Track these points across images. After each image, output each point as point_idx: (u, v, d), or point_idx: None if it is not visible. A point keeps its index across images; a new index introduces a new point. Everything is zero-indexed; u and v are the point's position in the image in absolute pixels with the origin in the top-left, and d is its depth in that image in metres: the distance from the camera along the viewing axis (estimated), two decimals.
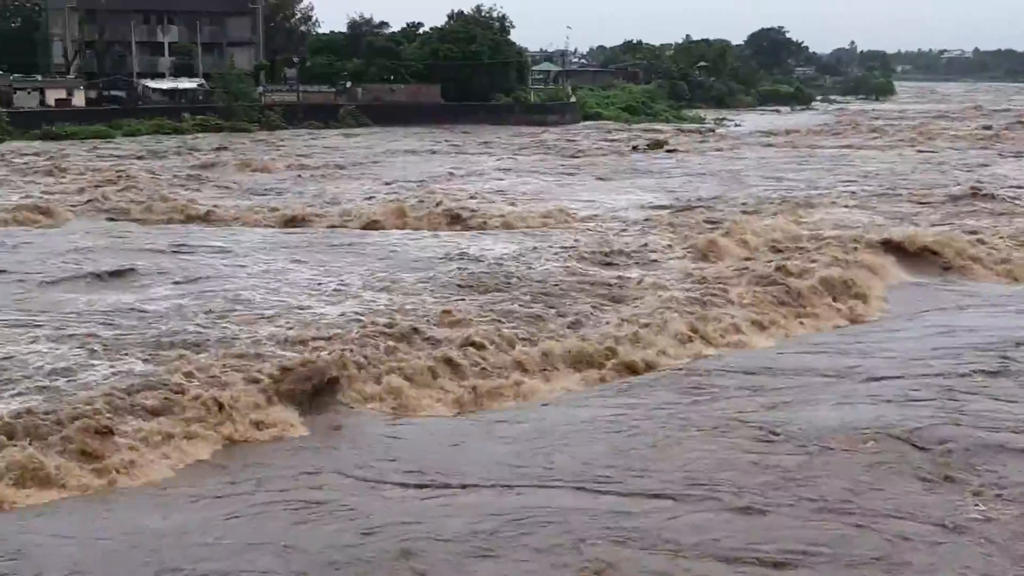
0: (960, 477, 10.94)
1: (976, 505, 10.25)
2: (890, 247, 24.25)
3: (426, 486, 11.17)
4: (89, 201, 34.58)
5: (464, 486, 11.13)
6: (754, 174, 43.52)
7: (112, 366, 14.93)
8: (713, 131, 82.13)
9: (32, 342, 16.15)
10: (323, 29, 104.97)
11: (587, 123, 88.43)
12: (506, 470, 11.56)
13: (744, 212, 30.88)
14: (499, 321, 17.54)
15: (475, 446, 12.61)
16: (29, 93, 75.43)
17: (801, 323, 18.81)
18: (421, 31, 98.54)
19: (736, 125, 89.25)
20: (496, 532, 9.85)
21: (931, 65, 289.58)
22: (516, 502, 10.61)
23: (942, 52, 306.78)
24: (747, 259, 23.22)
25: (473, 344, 16.05)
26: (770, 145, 62.15)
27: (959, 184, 37.15)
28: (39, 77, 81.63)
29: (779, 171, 44.74)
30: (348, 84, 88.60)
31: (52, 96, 76.11)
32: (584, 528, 9.80)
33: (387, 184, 40.21)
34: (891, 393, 13.85)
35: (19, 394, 13.60)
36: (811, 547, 9.43)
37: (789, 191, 36.61)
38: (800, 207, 31.95)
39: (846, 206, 32.45)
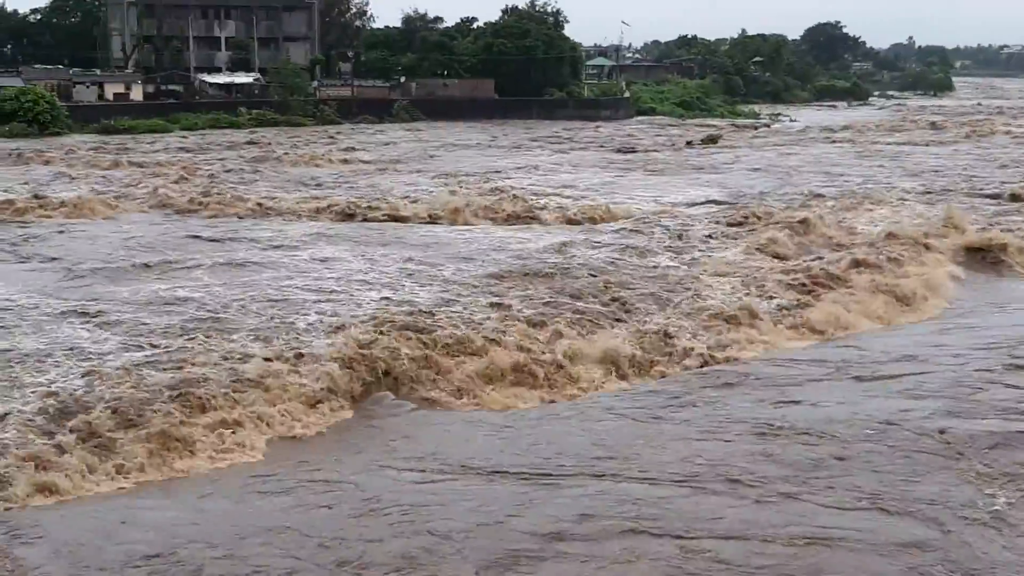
0: None
1: None
2: (952, 244, 23.95)
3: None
4: (146, 194, 34.92)
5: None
6: (811, 169, 43.11)
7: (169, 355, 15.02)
8: (768, 126, 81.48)
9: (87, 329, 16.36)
10: (378, 24, 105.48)
11: (640, 118, 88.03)
12: None
13: (803, 207, 30.49)
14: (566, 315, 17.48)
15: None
16: (88, 87, 76.47)
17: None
18: (475, 26, 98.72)
19: (792, 120, 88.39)
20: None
21: (991, 60, 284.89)
22: None
23: (1002, 47, 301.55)
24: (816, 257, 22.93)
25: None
26: (827, 141, 61.44)
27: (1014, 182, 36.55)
28: (98, 71, 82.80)
29: (837, 167, 44.26)
30: (402, 79, 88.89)
31: (111, 90, 77.12)
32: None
33: (443, 178, 40.24)
34: None
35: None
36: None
37: (848, 186, 36.18)
38: (860, 203, 31.54)
39: (905, 201, 32.00)
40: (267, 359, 14.64)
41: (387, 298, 18.74)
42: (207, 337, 16.05)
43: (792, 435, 12.08)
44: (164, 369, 14.23)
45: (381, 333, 15.71)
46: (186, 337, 16.06)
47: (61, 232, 27.52)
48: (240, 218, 30.67)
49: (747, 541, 9.42)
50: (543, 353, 15.61)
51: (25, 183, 37.85)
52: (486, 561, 9.15)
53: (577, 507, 10.17)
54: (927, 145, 55.95)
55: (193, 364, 14.43)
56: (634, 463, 11.38)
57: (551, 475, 11.07)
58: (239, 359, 14.71)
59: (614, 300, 18.72)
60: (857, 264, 21.30)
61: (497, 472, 11.23)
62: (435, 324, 16.53)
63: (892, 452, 11.50)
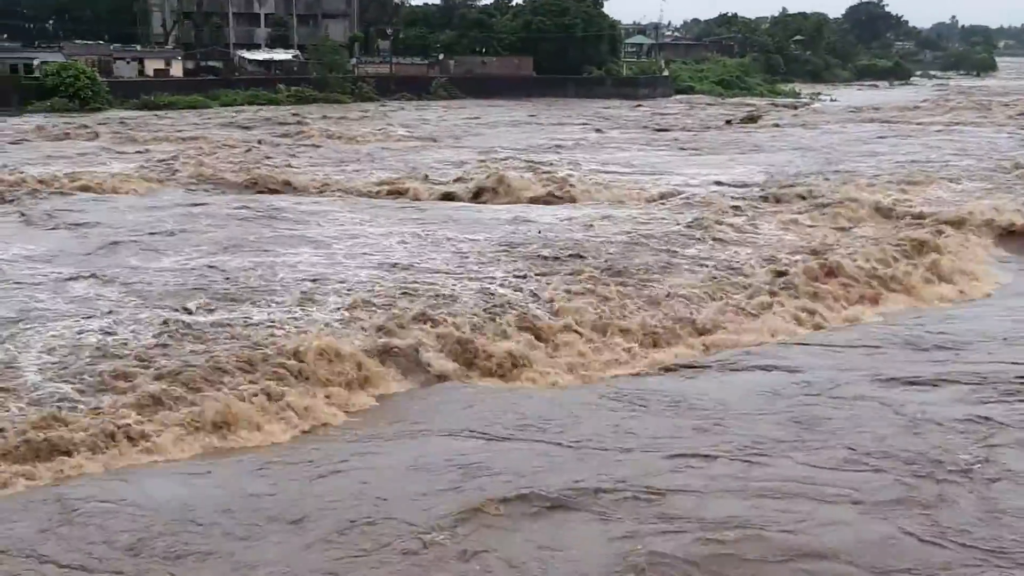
0: None
1: None
2: (994, 226, 23.66)
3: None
4: (185, 168, 35.06)
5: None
6: (851, 149, 42.56)
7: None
8: (808, 105, 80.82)
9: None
10: (416, 1, 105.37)
11: (679, 97, 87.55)
12: None
13: (844, 185, 30.11)
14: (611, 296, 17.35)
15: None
16: (129, 63, 76.93)
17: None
18: (514, 3, 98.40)
19: (832, 100, 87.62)
20: None
21: None
22: None
23: None
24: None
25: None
26: (869, 120, 60.75)
27: None
28: (138, 47, 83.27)
29: (878, 146, 43.68)
30: (440, 56, 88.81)
31: (151, 66, 77.55)
32: None
33: (482, 155, 40.10)
34: None
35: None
36: None
37: (891, 166, 35.72)
38: (904, 183, 31.12)
39: (948, 181, 31.52)
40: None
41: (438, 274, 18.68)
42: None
43: None
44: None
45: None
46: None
47: (102, 206, 27.62)
48: (276, 194, 30.71)
49: None
50: None
51: (68, 157, 38.10)
52: None
53: None
54: (975, 126, 55.13)
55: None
56: None
57: None
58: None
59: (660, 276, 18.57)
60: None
61: None
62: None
63: None
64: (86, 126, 51.79)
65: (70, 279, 18.28)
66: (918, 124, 56.80)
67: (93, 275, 18.53)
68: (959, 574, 8.37)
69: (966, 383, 12.91)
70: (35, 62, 72.47)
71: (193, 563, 8.70)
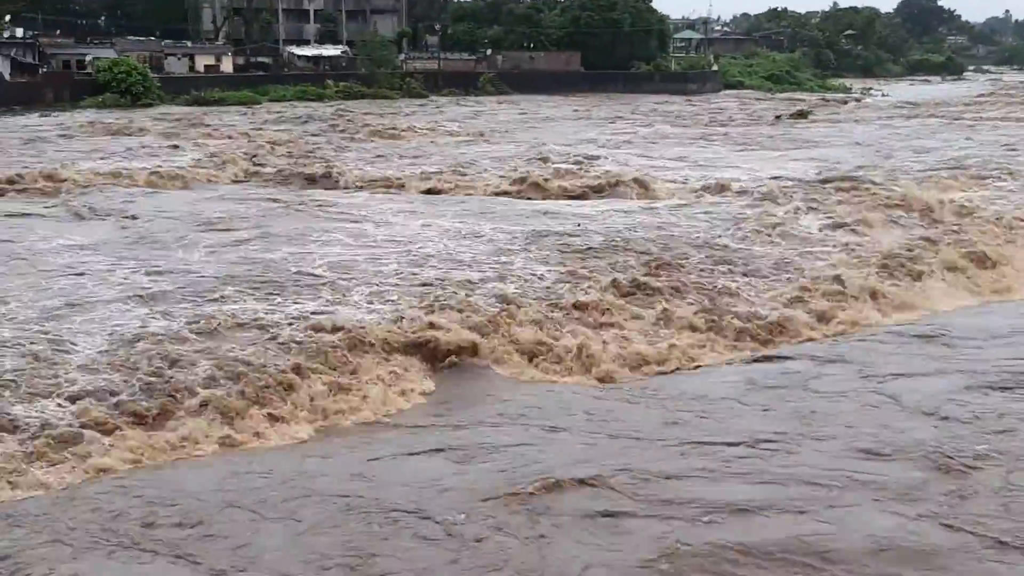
0: None
1: None
2: None
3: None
4: (233, 163, 35.19)
5: None
6: (905, 145, 41.89)
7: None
8: (859, 100, 79.91)
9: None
10: None
11: (728, 92, 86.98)
12: None
13: (903, 181, 29.57)
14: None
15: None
16: (180, 59, 77.55)
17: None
18: None
19: (883, 95, 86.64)
20: None
21: None
22: None
23: None
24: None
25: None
26: (926, 116, 59.85)
27: None
28: (189, 43, 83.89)
29: (933, 142, 42.98)
30: (488, 52, 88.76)
31: (201, 62, 78.11)
32: None
33: (532, 150, 39.88)
34: None
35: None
36: None
37: (947, 163, 35.09)
38: (960, 179, 30.52)
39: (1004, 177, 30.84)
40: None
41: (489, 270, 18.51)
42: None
43: None
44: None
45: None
46: None
47: (154, 200, 27.73)
48: (324, 189, 30.71)
49: None
50: None
51: (118, 152, 38.37)
52: None
53: None
54: None
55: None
56: None
57: None
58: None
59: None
60: None
61: None
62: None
63: None
64: (136, 121, 52.19)
65: (129, 270, 18.30)
66: (976, 119, 55.88)
67: (154, 267, 18.54)
68: None
69: None
70: (88, 58, 73.28)
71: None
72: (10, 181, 30.63)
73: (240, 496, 9.67)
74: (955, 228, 21.82)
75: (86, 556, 8.56)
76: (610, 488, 9.63)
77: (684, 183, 30.47)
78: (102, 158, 36.78)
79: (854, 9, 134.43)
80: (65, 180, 30.73)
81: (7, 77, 67.79)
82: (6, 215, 25.31)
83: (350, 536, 8.83)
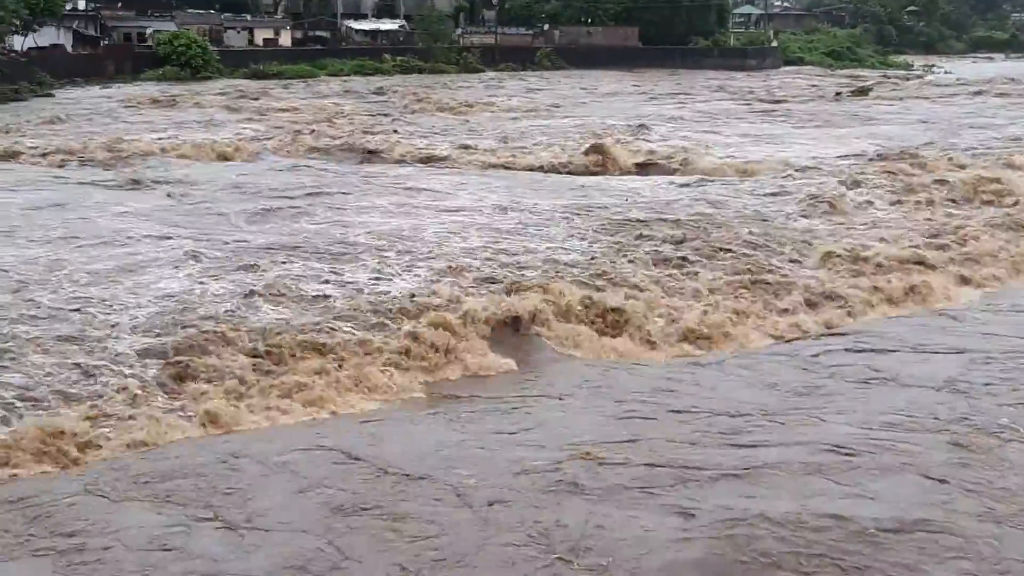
0: None
1: None
2: None
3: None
4: (291, 136, 35.30)
5: None
6: (972, 123, 41.10)
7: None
8: (921, 78, 78.57)
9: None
10: None
11: (787, 68, 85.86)
12: None
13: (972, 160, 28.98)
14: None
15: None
16: (239, 32, 77.91)
17: None
18: None
19: (946, 72, 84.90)
20: None
21: None
22: None
23: None
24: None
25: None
26: (989, 94, 58.63)
27: None
28: (248, 17, 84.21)
29: (1001, 122, 42.11)
30: (545, 27, 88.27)
31: (260, 36, 78.43)
32: None
33: (598, 126, 39.56)
34: None
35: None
36: None
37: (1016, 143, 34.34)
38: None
39: None
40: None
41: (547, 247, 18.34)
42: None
43: None
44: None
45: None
46: None
47: (212, 171, 27.85)
48: (388, 164, 30.66)
49: None
50: None
51: (178, 124, 38.64)
52: None
53: None
54: None
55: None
56: None
57: None
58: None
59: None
60: None
61: None
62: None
63: None
64: (197, 94, 52.54)
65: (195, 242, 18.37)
66: None
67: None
68: None
69: None
70: (148, 31, 73.86)
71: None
72: (72, 151, 31.04)
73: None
74: None
75: None
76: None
77: (761, 161, 29.89)
78: (162, 129, 37.06)
79: None
80: (125, 151, 31.06)
81: (70, 49, 68.51)
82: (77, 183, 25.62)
83: None
